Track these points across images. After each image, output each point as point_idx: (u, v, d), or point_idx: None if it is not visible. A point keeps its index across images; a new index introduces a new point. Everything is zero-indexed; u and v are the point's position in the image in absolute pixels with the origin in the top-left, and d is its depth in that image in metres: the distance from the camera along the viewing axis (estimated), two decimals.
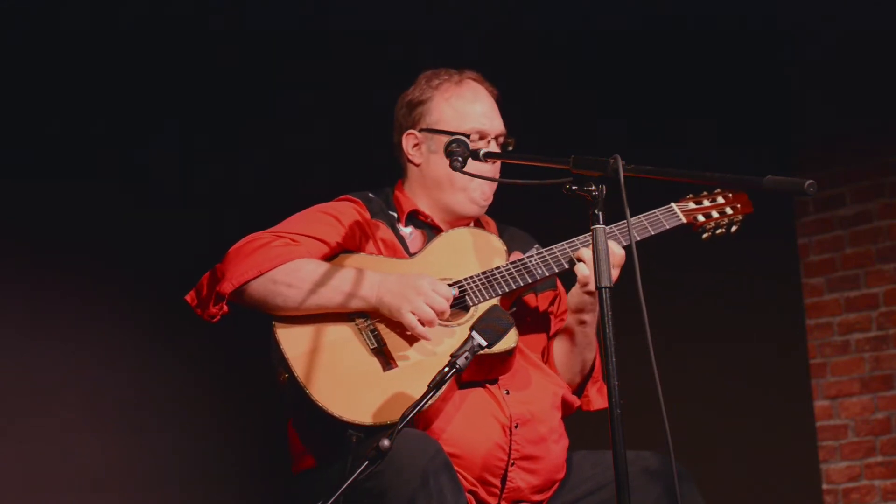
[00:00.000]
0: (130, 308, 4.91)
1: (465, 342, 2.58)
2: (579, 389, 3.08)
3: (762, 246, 5.64)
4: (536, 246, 3.08)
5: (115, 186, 4.95)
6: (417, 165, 3.07)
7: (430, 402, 2.53)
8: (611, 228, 2.92)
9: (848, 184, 5.81)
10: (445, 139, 2.90)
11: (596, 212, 2.46)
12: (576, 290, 2.96)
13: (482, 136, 3.03)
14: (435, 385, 2.51)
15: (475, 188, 3.02)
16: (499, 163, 3.02)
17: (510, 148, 3.06)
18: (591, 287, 2.88)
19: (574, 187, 2.49)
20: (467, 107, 3.05)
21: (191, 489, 5.02)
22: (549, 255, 2.94)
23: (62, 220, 4.81)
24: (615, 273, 2.84)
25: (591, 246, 2.78)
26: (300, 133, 5.26)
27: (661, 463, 2.83)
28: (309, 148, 5.22)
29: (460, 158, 2.76)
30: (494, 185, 3.05)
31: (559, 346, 3.05)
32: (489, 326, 2.61)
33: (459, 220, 3.07)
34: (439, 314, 2.76)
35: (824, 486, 5.71)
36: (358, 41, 5.26)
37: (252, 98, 5.24)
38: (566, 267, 2.93)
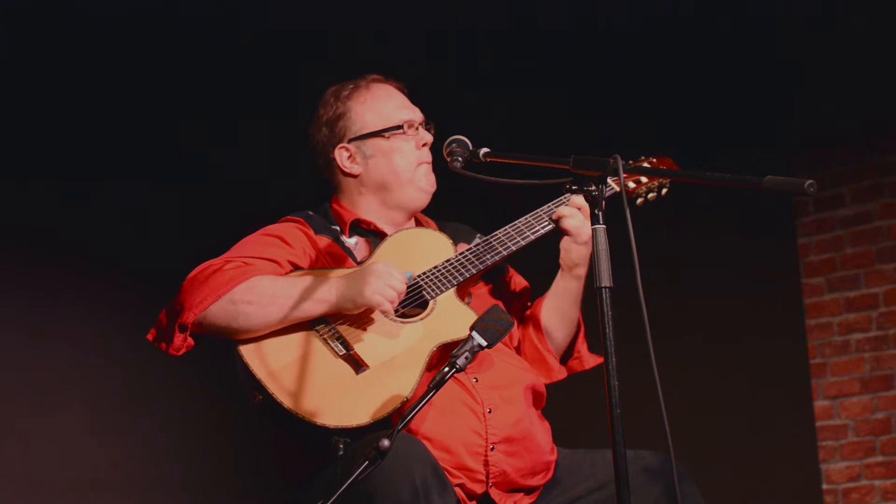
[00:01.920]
0: (131, 308, 4.90)
1: (465, 342, 2.59)
2: (568, 351, 3.12)
3: (762, 246, 5.64)
4: (479, 235, 3.12)
5: (115, 186, 4.95)
6: (356, 176, 3.09)
7: (428, 401, 2.53)
8: (538, 211, 3.01)
9: (848, 184, 5.81)
10: (382, 141, 3.03)
11: (596, 212, 2.46)
12: (568, 245, 3.00)
13: (410, 126, 3.08)
14: (435, 385, 2.52)
15: (420, 177, 3.06)
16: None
17: (432, 132, 3.11)
18: (583, 236, 2.95)
19: (574, 187, 2.49)
20: (386, 104, 3.09)
21: (191, 490, 5.03)
22: (494, 240, 2.98)
23: (62, 221, 4.81)
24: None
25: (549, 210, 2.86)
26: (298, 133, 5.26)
27: (661, 463, 2.84)
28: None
29: (460, 158, 2.78)
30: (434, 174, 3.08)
31: (552, 311, 3.08)
32: (489, 326, 2.61)
33: (408, 217, 3.11)
34: (398, 292, 2.79)
35: (824, 486, 5.71)
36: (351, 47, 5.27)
37: (248, 97, 5.25)
38: (543, 231, 2.98)
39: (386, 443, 2.38)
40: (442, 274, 2.93)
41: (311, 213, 3.07)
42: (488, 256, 2.95)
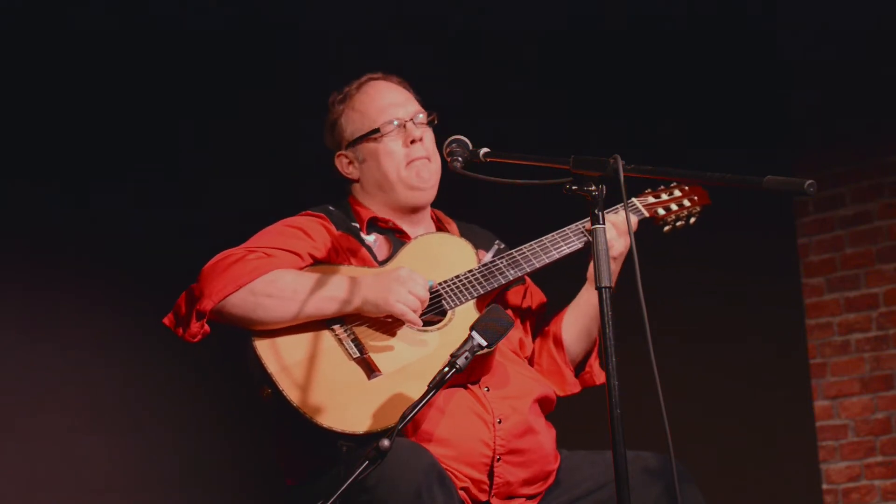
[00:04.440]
0: (131, 308, 4.90)
1: (465, 342, 2.58)
2: (581, 364, 3.10)
3: (762, 246, 5.64)
4: (497, 241, 3.12)
5: (115, 186, 4.95)
6: (357, 181, 3.09)
7: (428, 401, 2.53)
8: (574, 226, 2.99)
9: (848, 184, 5.81)
10: (371, 144, 3.01)
11: (596, 212, 2.46)
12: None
13: (400, 124, 3.03)
14: (435, 385, 2.52)
15: (411, 175, 3.02)
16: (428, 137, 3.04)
17: (434, 122, 3.07)
18: (615, 251, 2.95)
19: (574, 187, 2.49)
20: (372, 104, 3.06)
21: (191, 489, 5.02)
22: (519, 255, 2.97)
23: (62, 220, 4.81)
24: (623, 240, 2.96)
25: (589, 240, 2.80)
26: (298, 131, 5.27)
27: (661, 464, 2.83)
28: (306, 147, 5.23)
29: (460, 158, 2.77)
30: (434, 166, 3.04)
31: (572, 324, 3.06)
32: (489, 326, 2.61)
33: (415, 213, 3.07)
34: (422, 301, 2.78)
35: (824, 486, 5.71)
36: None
37: (247, 96, 5.24)
38: (569, 251, 2.97)
39: (386, 443, 2.38)
40: (463, 284, 2.91)
41: (331, 207, 3.06)
42: (511, 272, 2.94)
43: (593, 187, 2.47)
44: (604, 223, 2.45)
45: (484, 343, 2.58)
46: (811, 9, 5.64)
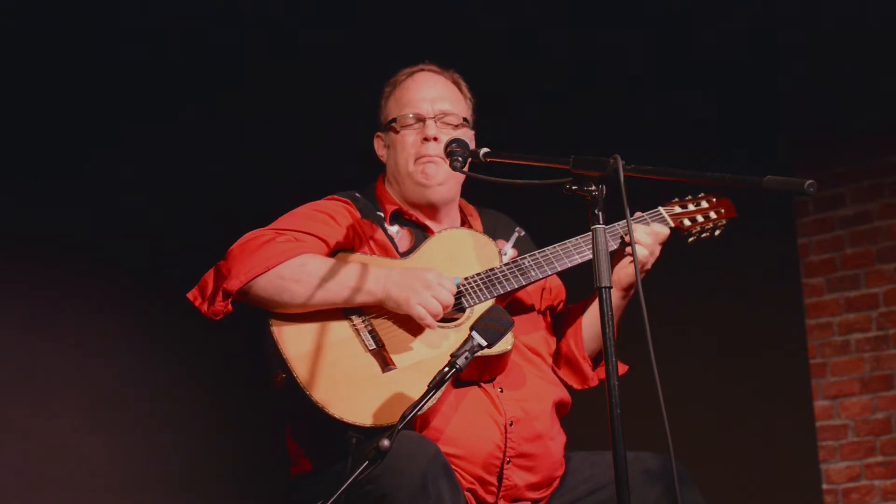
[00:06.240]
0: (131, 308, 4.91)
1: (465, 342, 2.58)
2: (598, 358, 3.10)
3: (762, 246, 5.64)
4: (518, 229, 3.11)
5: (115, 186, 4.95)
6: (386, 165, 3.13)
7: (429, 402, 2.53)
8: (611, 227, 2.94)
9: (848, 184, 5.81)
10: (393, 133, 3.05)
11: (596, 212, 2.46)
12: (626, 265, 3.00)
13: (419, 119, 3.05)
14: (435, 385, 2.52)
15: (416, 171, 3.03)
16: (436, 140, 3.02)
17: (459, 128, 3.05)
18: (647, 265, 2.97)
19: (574, 187, 2.49)
20: (407, 94, 3.09)
21: (191, 489, 5.02)
22: (542, 257, 2.97)
23: (63, 220, 4.81)
24: (658, 250, 2.98)
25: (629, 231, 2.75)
26: (296, 128, 5.27)
27: (661, 465, 2.84)
28: (304, 143, 5.23)
29: (460, 158, 2.77)
30: (443, 165, 3.00)
31: (592, 322, 3.07)
32: (489, 326, 2.61)
33: (435, 209, 3.07)
34: (445, 307, 2.78)
35: (824, 486, 5.71)
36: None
37: (247, 95, 5.24)
38: (591, 257, 2.96)
39: (386, 443, 2.38)
40: (484, 283, 2.91)
41: (357, 194, 3.07)
42: (533, 273, 2.94)
43: (593, 187, 2.47)
44: (603, 223, 2.45)
45: (483, 343, 2.58)
46: (812, 8, 5.63)
